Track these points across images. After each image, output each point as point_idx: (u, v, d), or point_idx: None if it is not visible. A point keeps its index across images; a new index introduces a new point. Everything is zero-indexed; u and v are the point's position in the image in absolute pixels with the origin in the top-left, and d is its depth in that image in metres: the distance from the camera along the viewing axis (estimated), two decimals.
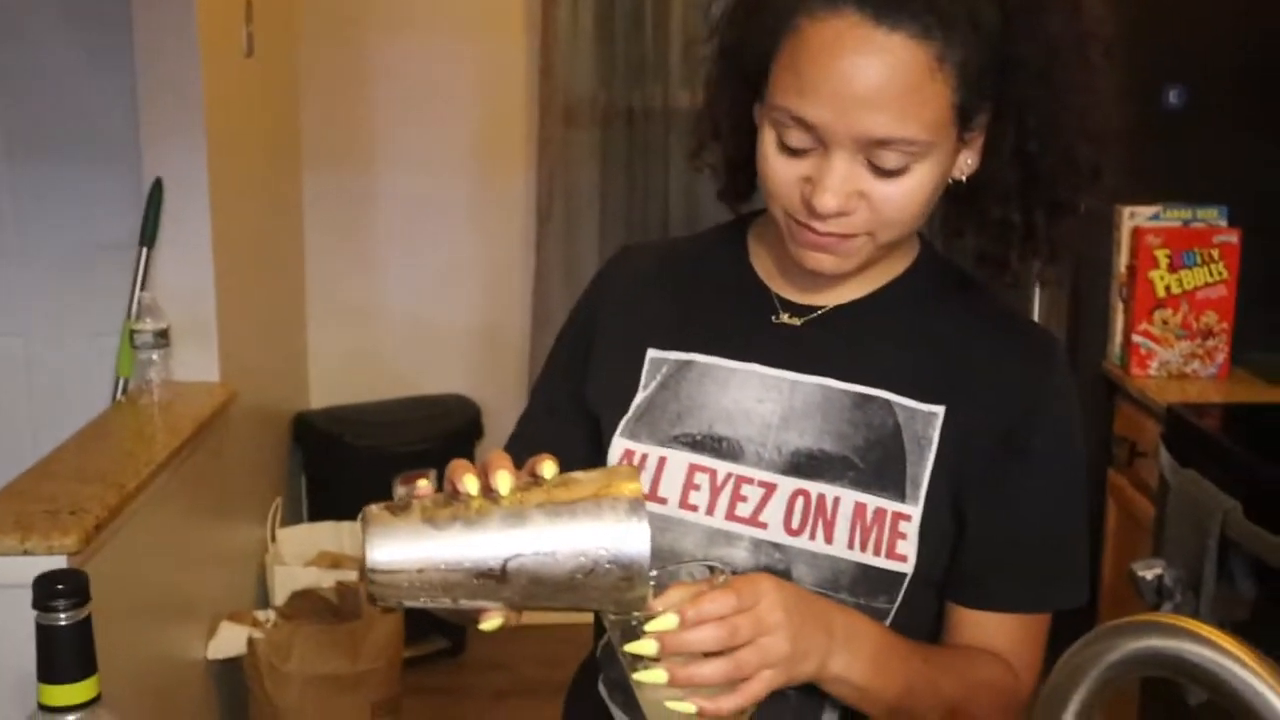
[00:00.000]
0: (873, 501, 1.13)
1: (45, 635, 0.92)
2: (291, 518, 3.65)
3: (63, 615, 0.92)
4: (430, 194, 3.90)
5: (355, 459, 3.62)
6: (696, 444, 1.19)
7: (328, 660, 2.87)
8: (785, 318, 1.21)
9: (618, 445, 1.21)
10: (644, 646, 0.97)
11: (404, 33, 3.80)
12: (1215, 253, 2.81)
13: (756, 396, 1.19)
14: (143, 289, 2.79)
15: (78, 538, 2.00)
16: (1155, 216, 2.85)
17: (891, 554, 1.12)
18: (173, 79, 2.76)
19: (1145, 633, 0.70)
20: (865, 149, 1.06)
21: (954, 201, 1.17)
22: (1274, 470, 2.30)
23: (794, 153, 1.10)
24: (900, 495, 1.13)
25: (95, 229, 3.44)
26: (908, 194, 1.09)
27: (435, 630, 3.61)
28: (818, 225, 1.10)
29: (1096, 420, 2.97)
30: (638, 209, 3.79)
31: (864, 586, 1.12)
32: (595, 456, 1.22)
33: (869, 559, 1.12)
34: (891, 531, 1.12)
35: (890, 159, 1.07)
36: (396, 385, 3.94)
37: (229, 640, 2.87)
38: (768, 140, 1.11)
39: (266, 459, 3.50)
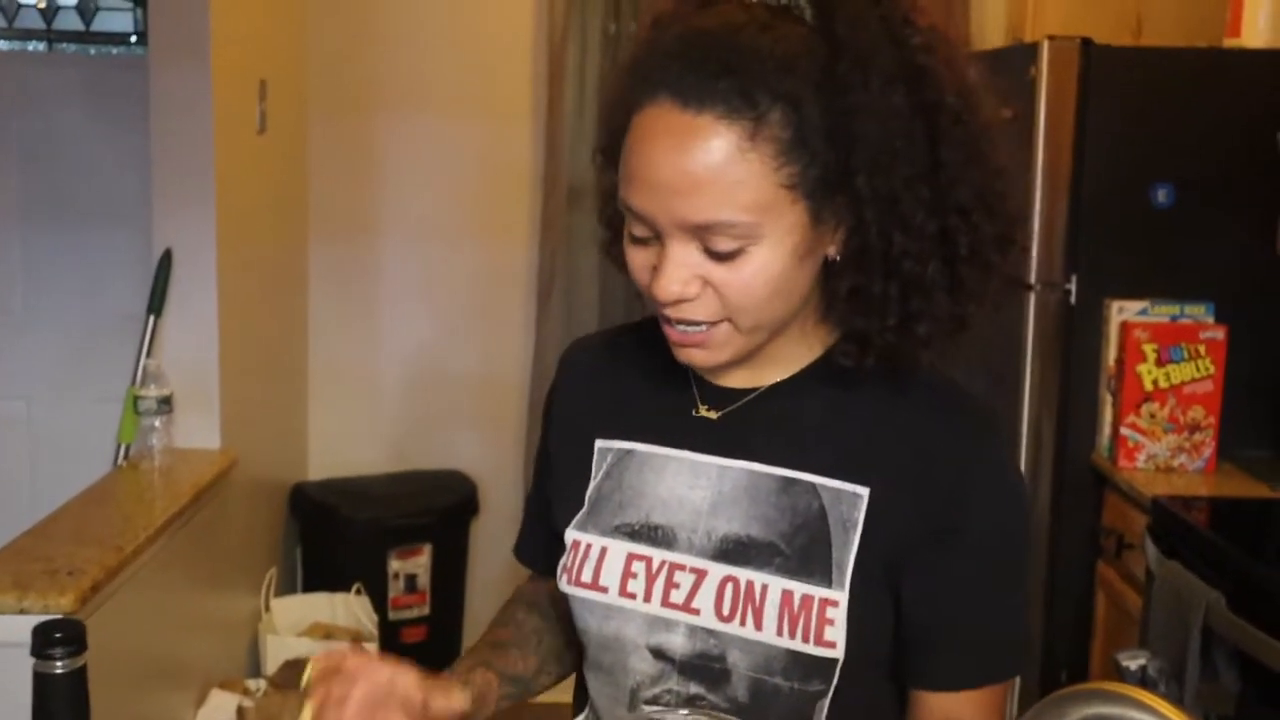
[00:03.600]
0: (799, 588, 1.12)
1: (41, 683, 0.95)
2: (286, 588, 3.66)
3: (59, 664, 0.94)
4: (433, 272, 3.96)
5: (351, 531, 3.64)
6: (635, 533, 1.20)
7: None
8: (704, 410, 1.22)
9: (569, 537, 1.23)
10: None
11: (412, 112, 3.88)
12: (1202, 348, 2.85)
13: (688, 483, 1.20)
14: (148, 356, 2.83)
15: (74, 598, 2.02)
16: (1143, 311, 2.89)
17: (820, 641, 1.11)
18: (186, 154, 2.82)
19: (1092, 700, 0.74)
20: (696, 235, 1.06)
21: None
22: (1257, 563, 2.31)
23: (641, 241, 1.11)
24: (827, 581, 1.12)
25: (103, 296, 3.50)
26: (749, 278, 1.07)
27: None
28: (670, 314, 1.11)
29: (1084, 512, 3.00)
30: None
31: (797, 671, 1.12)
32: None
33: (798, 645, 1.12)
34: (819, 618, 1.12)
35: (720, 242, 1.05)
36: (394, 460, 3.97)
37: (219, 708, 2.86)
38: (625, 231, 1.13)
39: (263, 528, 3.52)
